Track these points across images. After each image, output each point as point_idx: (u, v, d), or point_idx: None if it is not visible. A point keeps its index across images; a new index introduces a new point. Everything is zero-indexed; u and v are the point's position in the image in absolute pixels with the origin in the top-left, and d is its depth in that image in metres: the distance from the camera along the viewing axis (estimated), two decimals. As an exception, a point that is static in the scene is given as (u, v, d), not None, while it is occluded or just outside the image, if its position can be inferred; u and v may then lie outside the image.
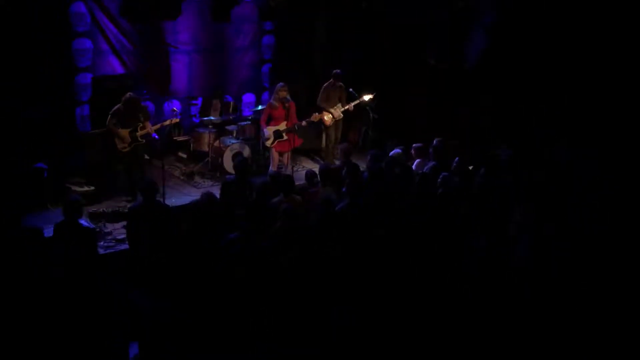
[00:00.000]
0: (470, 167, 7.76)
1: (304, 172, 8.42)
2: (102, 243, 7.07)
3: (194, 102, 10.65)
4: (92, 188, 8.40)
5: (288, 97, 8.71)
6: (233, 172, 8.11)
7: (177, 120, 9.02)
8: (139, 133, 8.13)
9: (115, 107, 8.11)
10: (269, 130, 8.75)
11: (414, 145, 8.37)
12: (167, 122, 8.81)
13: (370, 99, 9.80)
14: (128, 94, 8.14)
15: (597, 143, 8.13)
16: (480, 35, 9.24)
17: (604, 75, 8.03)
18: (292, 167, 9.26)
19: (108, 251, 6.97)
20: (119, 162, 8.27)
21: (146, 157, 8.63)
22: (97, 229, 7.25)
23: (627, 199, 6.96)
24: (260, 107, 9.97)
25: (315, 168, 8.99)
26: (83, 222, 5.94)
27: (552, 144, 8.73)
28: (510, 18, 8.99)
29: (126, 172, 8.29)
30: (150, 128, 8.26)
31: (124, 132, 8.06)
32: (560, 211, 6.41)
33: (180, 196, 8.58)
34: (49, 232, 5.97)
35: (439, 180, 6.86)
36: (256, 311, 5.04)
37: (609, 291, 4.84)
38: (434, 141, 8.18)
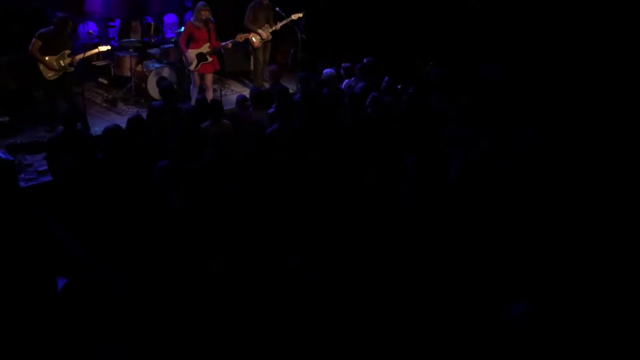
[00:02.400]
0: (399, 87, 7.80)
1: (233, 96, 8.22)
2: (22, 175, 6.74)
3: (111, 24, 10.03)
4: (7, 118, 7.89)
5: (210, 16, 8.33)
6: (158, 97, 7.81)
7: (109, 47, 8.44)
8: (68, 60, 7.56)
9: (43, 30, 7.47)
10: (192, 54, 8.39)
11: (342, 65, 8.29)
12: (96, 50, 8.21)
13: (299, 17, 9.53)
14: (60, 15, 7.49)
15: (523, 61, 8.33)
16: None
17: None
18: (221, 90, 9.02)
19: (30, 184, 6.66)
20: (43, 89, 7.73)
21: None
22: (17, 162, 6.91)
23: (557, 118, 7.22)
24: (183, 29, 9.53)
25: (244, 91, 8.81)
26: (1, 154, 5.61)
27: (481, 61, 8.88)
28: None
29: (49, 100, 7.77)
30: (83, 54, 7.74)
31: (51, 59, 7.46)
32: (493, 127, 6.57)
33: (104, 124, 8.21)
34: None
35: (367, 100, 6.88)
36: (188, 242, 4.99)
37: (543, 209, 5.04)
38: (364, 60, 8.13)
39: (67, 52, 7.55)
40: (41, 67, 7.48)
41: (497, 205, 5.00)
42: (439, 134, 6.35)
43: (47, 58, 7.44)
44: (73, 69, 7.71)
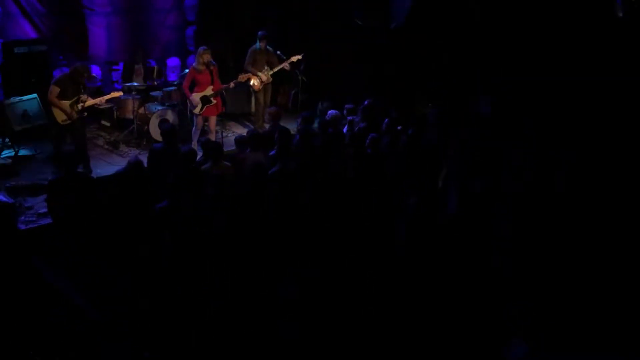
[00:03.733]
0: (399, 128, 7.86)
1: (233, 137, 8.26)
2: (22, 218, 6.74)
3: (115, 67, 10.20)
4: (9, 161, 7.95)
5: (212, 60, 8.47)
6: (160, 139, 7.87)
7: (120, 93, 8.57)
8: (82, 105, 7.64)
9: (59, 76, 7.60)
10: (196, 97, 8.49)
11: (345, 106, 8.37)
12: (110, 96, 8.27)
13: (299, 59, 9.68)
14: (78, 64, 7.65)
15: (518, 97, 8.41)
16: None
17: (524, 30, 8.22)
18: (222, 132, 9.10)
19: (30, 226, 6.65)
20: (52, 132, 7.80)
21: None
22: (17, 204, 6.92)
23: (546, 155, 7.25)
24: (185, 72, 9.68)
25: (245, 133, 8.87)
26: (1, 197, 5.63)
27: (475, 99, 8.98)
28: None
29: (57, 143, 7.78)
30: (99, 99, 7.88)
31: (66, 104, 7.54)
32: (487, 166, 6.60)
33: (105, 166, 8.28)
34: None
35: (367, 141, 6.93)
36: (189, 282, 4.97)
37: (536, 245, 5.03)
38: (364, 102, 8.23)
39: (81, 97, 7.65)
40: (55, 111, 7.56)
41: (494, 238, 4.97)
42: (438, 172, 6.37)
43: (62, 103, 7.54)
44: (86, 113, 7.81)
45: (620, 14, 7.17)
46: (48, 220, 6.59)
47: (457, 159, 6.47)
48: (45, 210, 6.77)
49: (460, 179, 5.81)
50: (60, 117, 7.57)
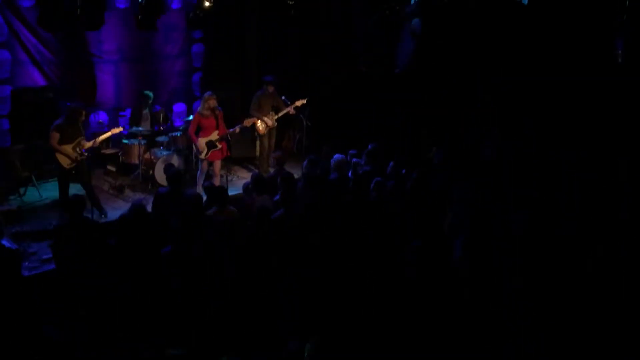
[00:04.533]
0: (404, 171, 7.87)
1: (239, 181, 8.30)
2: (26, 264, 6.72)
3: (122, 113, 10.33)
4: (15, 206, 7.98)
5: (217, 105, 8.57)
6: (165, 184, 7.89)
7: (122, 129, 8.67)
8: (83, 146, 7.71)
9: (57, 121, 7.66)
10: (202, 142, 8.56)
11: (349, 151, 8.41)
12: (110, 133, 8.37)
13: (303, 104, 9.79)
14: (73, 105, 7.71)
15: (525, 140, 8.43)
16: (408, 40, 9.41)
17: (527, 72, 8.30)
18: (227, 176, 9.13)
19: (33, 272, 6.62)
20: (58, 178, 7.85)
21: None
22: (21, 249, 6.90)
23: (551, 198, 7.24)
24: (191, 117, 9.78)
25: (250, 177, 8.90)
26: (5, 242, 5.62)
27: (480, 144, 9.01)
28: (435, 24, 9.20)
29: (63, 188, 7.81)
30: (100, 137, 7.98)
31: (68, 148, 7.61)
32: (493, 211, 6.59)
33: (110, 211, 8.29)
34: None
35: (372, 185, 6.93)
36: (193, 326, 4.92)
37: (543, 289, 4.98)
38: (369, 146, 8.27)
39: (82, 138, 7.71)
40: (59, 156, 7.61)
41: (500, 288, 4.91)
42: (443, 216, 6.34)
43: (64, 147, 7.59)
44: (87, 155, 7.83)
45: (620, 60, 7.26)
46: (52, 267, 6.57)
47: (462, 203, 6.45)
48: (49, 256, 6.76)
49: (466, 224, 5.78)
50: (65, 162, 7.61)
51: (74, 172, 7.75)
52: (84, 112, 7.80)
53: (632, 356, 4.21)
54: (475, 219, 5.90)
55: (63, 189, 7.80)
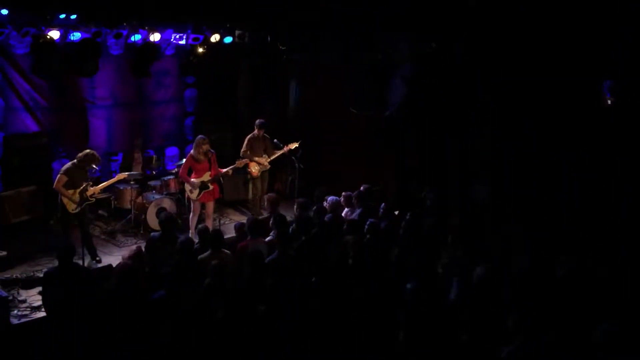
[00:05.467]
0: (397, 212, 7.88)
1: (231, 224, 8.26)
2: (15, 312, 6.60)
3: (114, 157, 10.34)
4: (5, 253, 7.88)
5: (210, 148, 8.62)
6: (158, 228, 7.85)
7: (126, 175, 8.68)
8: (89, 192, 7.76)
9: (67, 165, 7.72)
10: (195, 182, 8.56)
11: (343, 193, 8.43)
12: (115, 179, 8.46)
13: (296, 147, 9.85)
14: (89, 151, 7.77)
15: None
16: (399, 84, 9.55)
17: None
18: (219, 219, 9.09)
19: (22, 320, 6.49)
20: (60, 221, 7.90)
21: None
22: (10, 297, 6.80)
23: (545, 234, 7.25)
24: (183, 161, 9.81)
25: (243, 219, 8.86)
26: (-6, 290, 5.53)
27: (472, 184, 9.05)
28: (426, 67, 9.36)
29: (65, 232, 7.83)
30: (108, 182, 8.15)
31: (74, 192, 7.64)
32: (488, 250, 6.58)
33: (102, 256, 8.21)
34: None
35: (365, 226, 6.92)
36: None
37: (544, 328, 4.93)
38: (361, 188, 8.29)
39: (88, 184, 7.76)
40: (65, 200, 7.61)
41: (497, 328, 4.86)
42: (437, 257, 6.32)
43: (70, 191, 7.58)
44: (94, 199, 7.91)
45: (609, 102, 7.39)
46: (42, 314, 6.46)
47: (456, 245, 6.45)
48: (39, 303, 6.65)
49: (461, 266, 5.75)
50: (70, 206, 7.62)
51: (76, 216, 7.75)
52: (97, 159, 7.83)
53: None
54: (471, 261, 5.88)
55: (65, 232, 7.80)
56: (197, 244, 6.99)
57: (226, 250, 6.60)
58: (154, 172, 10.02)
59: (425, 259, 6.37)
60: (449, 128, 9.38)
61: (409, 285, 5.37)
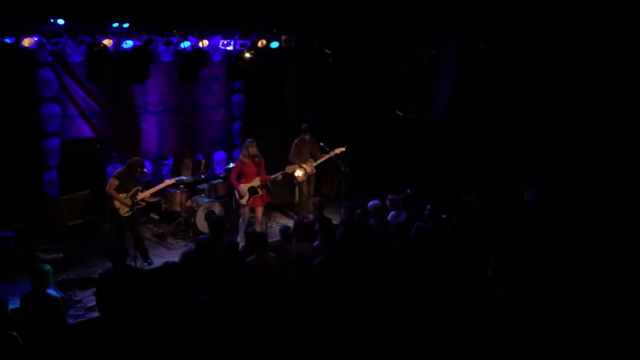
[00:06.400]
0: (443, 216, 7.80)
1: (277, 227, 8.34)
2: (71, 312, 6.84)
3: (164, 162, 10.60)
4: (61, 255, 8.18)
5: (258, 152, 8.72)
6: (206, 231, 8.00)
7: (173, 181, 8.94)
8: (140, 196, 8.03)
9: (118, 170, 8.06)
10: (243, 188, 8.68)
11: (389, 196, 8.40)
12: (164, 185, 8.70)
13: (342, 151, 9.87)
14: (134, 158, 8.09)
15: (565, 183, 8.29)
16: (445, 86, 9.46)
17: (564, 112, 8.21)
18: (266, 222, 9.19)
19: (78, 320, 6.72)
20: (113, 225, 8.18)
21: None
22: (67, 298, 7.04)
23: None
24: (231, 165, 9.96)
25: (289, 223, 8.94)
26: (51, 291, 5.74)
27: (520, 187, 8.88)
28: (472, 69, 9.25)
29: (118, 235, 8.06)
30: (155, 188, 8.37)
31: (125, 196, 7.92)
32: (535, 254, 6.45)
33: (152, 258, 8.41)
34: (16, 303, 5.76)
35: (413, 230, 6.87)
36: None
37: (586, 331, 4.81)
38: (407, 191, 8.24)
39: (138, 188, 8.02)
40: (117, 204, 7.89)
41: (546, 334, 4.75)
42: (485, 262, 6.22)
43: (122, 196, 7.86)
44: (145, 204, 8.17)
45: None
46: (96, 314, 6.67)
47: (505, 248, 6.33)
48: (93, 303, 6.87)
49: (510, 269, 5.65)
50: (122, 209, 7.89)
51: (128, 220, 8.01)
52: (142, 165, 8.12)
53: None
54: (520, 263, 5.77)
55: (118, 234, 8.06)
56: (243, 247, 7.09)
57: (271, 253, 6.66)
58: (203, 176, 10.21)
59: (473, 262, 6.30)
60: (498, 129, 9.23)
61: (455, 287, 5.32)
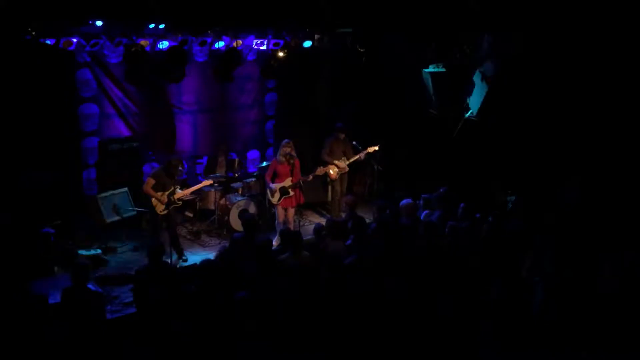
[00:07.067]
0: (478, 215, 7.71)
1: (311, 226, 8.38)
2: (109, 307, 6.98)
3: (199, 160, 10.73)
4: (100, 252, 8.37)
5: (293, 153, 8.75)
6: (240, 229, 8.08)
7: (211, 182, 9.07)
8: (176, 195, 8.18)
9: (156, 169, 8.25)
10: (275, 187, 8.74)
11: (422, 195, 8.35)
12: (201, 185, 8.89)
13: (375, 150, 9.85)
14: (173, 157, 8.27)
15: (607, 183, 8.12)
16: (479, 84, 9.35)
17: (605, 113, 8.06)
18: (299, 221, 9.23)
19: (115, 315, 6.87)
20: (150, 222, 8.39)
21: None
22: (104, 293, 7.18)
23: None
24: (265, 164, 10.03)
25: (322, 222, 8.96)
26: (91, 286, 5.88)
27: (561, 186, 8.71)
28: (509, 67, 9.11)
29: (154, 233, 8.23)
30: (193, 187, 8.55)
31: (162, 195, 8.07)
32: (574, 254, 6.32)
33: (187, 256, 8.54)
34: (57, 297, 5.91)
35: (446, 229, 6.82)
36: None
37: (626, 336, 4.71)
38: (440, 190, 8.18)
39: (176, 187, 8.17)
40: (154, 202, 8.04)
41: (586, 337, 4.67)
42: (521, 262, 6.14)
43: (159, 194, 8.00)
44: (181, 203, 8.32)
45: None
46: (132, 310, 6.80)
47: (544, 248, 6.22)
48: (130, 299, 7.00)
49: (548, 271, 5.56)
50: (159, 207, 8.04)
51: (164, 218, 8.15)
52: (181, 164, 8.33)
53: None
54: (559, 266, 5.67)
55: (154, 233, 8.19)
56: (278, 245, 7.13)
57: (305, 252, 6.69)
58: (237, 175, 10.30)
59: (508, 262, 6.22)
60: (534, 129, 9.09)
61: (491, 292, 5.27)
